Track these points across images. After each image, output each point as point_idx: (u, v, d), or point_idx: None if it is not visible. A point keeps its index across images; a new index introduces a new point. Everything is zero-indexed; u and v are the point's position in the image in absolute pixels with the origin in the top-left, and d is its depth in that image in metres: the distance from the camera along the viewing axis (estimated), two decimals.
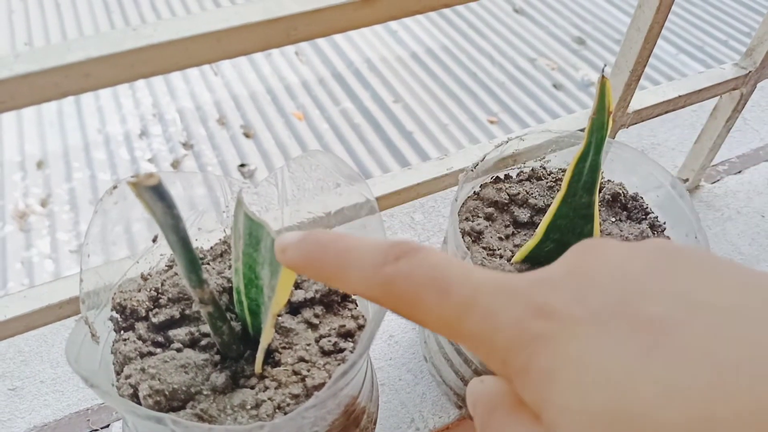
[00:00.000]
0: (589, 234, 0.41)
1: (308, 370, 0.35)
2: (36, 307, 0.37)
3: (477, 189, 0.47)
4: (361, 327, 0.37)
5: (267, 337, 0.33)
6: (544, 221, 0.40)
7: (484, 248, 0.44)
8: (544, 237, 0.41)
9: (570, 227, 0.40)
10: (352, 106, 2.29)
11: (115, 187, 0.34)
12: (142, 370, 0.33)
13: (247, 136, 2.16)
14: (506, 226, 0.46)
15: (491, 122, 2.25)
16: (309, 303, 0.37)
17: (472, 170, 0.43)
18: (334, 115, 2.24)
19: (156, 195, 0.26)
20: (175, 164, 1.98)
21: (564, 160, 0.48)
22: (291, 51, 2.49)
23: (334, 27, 0.33)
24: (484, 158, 0.43)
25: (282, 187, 0.38)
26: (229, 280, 0.38)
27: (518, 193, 0.46)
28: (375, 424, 0.40)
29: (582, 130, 0.49)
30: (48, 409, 0.48)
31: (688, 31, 2.56)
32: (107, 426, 0.48)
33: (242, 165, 2.00)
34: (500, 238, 0.45)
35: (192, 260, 0.30)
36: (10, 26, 2.42)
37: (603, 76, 0.35)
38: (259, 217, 0.30)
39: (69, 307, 0.38)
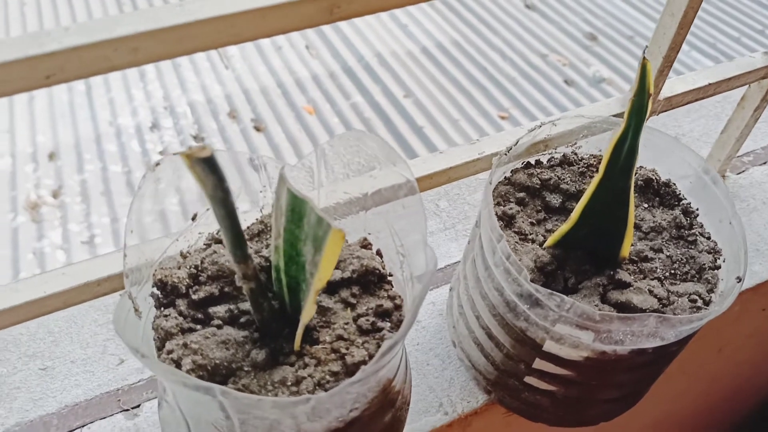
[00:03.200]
0: (624, 219, 0.41)
1: (347, 349, 0.35)
2: (74, 284, 0.37)
3: (508, 174, 0.47)
4: (398, 307, 0.37)
5: (309, 313, 0.33)
6: (580, 205, 0.40)
7: (516, 233, 0.44)
8: (579, 221, 0.41)
9: (605, 211, 0.40)
10: (363, 101, 2.29)
11: (157, 164, 0.34)
12: (185, 345, 0.33)
13: (257, 129, 2.16)
14: (538, 211, 0.46)
15: (502, 118, 2.24)
16: (346, 283, 0.38)
17: (505, 154, 0.43)
18: (344, 110, 2.24)
19: (208, 167, 0.26)
20: None
21: (595, 146, 0.48)
22: (302, 45, 2.49)
23: (378, 4, 0.33)
24: (517, 142, 0.43)
25: (318, 167, 0.38)
26: (266, 259, 0.38)
27: (550, 179, 0.46)
28: (408, 405, 0.41)
29: (616, 115, 0.49)
30: (79, 389, 0.48)
31: (700, 28, 2.54)
32: (138, 406, 0.48)
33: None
34: (532, 223, 0.45)
35: (238, 235, 0.30)
36: (22, 18, 2.43)
37: (644, 58, 0.35)
38: (303, 193, 0.30)
39: (107, 284, 0.38)
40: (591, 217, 0.41)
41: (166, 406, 0.37)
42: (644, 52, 0.34)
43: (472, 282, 0.45)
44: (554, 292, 0.37)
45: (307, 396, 0.30)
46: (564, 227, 0.41)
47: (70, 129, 2.07)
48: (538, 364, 0.42)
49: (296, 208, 0.31)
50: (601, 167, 0.38)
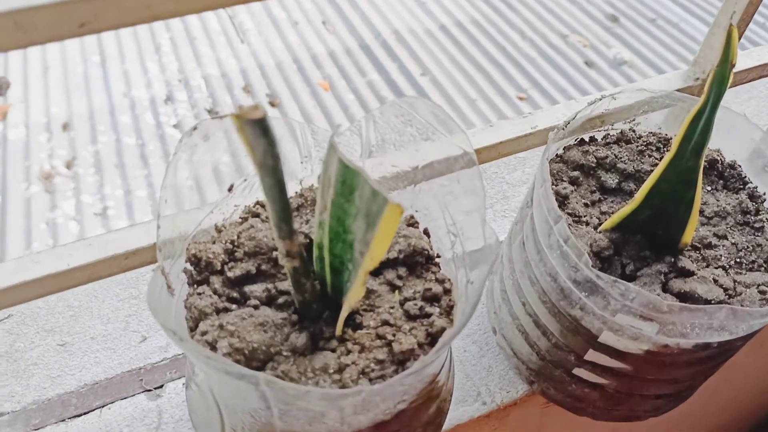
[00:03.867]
0: (690, 201, 0.38)
1: (393, 335, 0.32)
2: (101, 257, 0.34)
3: (560, 151, 0.44)
4: (447, 291, 0.34)
5: (356, 296, 0.30)
6: (647, 185, 0.37)
7: (569, 214, 0.41)
8: (643, 203, 0.38)
9: (671, 193, 0.37)
10: (379, 78, 2.25)
11: (195, 128, 0.31)
12: (221, 326, 0.31)
13: (272, 105, 2.13)
14: (592, 192, 0.43)
15: (520, 99, 2.20)
16: (392, 264, 0.35)
17: (563, 128, 0.39)
18: (360, 87, 2.20)
19: (259, 130, 0.23)
20: None
21: (654, 123, 0.45)
22: (318, 20, 2.44)
23: None
24: (575, 116, 0.40)
25: (366, 136, 0.35)
26: (306, 236, 0.35)
27: (606, 157, 0.43)
28: (452, 395, 0.38)
29: (679, 90, 0.46)
30: (99, 366, 0.46)
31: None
32: (161, 386, 0.45)
33: None
34: (586, 204, 0.42)
35: (285, 208, 0.27)
36: None
37: (731, 25, 0.31)
38: (355, 163, 0.27)
39: (135, 258, 0.36)
40: (655, 198, 0.38)
41: (196, 389, 0.35)
42: (731, 18, 0.30)
43: (519, 266, 0.42)
44: (618, 280, 0.34)
45: (359, 388, 0.27)
46: (626, 209, 0.38)
47: (85, 100, 2.05)
48: (591, 355, 0.39)
49: (347, 180, 0.28)
50: (674, 144, 0.35)
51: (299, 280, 0.31)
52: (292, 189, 0.37)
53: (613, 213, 0.42)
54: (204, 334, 0.31)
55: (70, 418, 0.44)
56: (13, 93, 2.05)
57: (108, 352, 0.47)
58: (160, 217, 0.30)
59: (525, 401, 0.47)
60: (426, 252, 0.35)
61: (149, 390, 0.45)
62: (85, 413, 0.44)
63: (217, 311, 0.32)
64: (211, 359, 0.25)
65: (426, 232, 0.37)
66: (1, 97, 2.07)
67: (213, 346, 0.30)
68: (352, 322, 0.33)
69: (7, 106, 2.04)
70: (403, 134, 0.34)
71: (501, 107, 2.15)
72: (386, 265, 0.35)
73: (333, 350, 0.32)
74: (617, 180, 0.43)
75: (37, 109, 2.00)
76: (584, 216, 0.41)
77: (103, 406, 0.44)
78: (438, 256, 0.36)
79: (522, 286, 0.42)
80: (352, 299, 0.30)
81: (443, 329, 0.32)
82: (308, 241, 0.35)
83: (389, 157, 0.35)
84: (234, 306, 0.33)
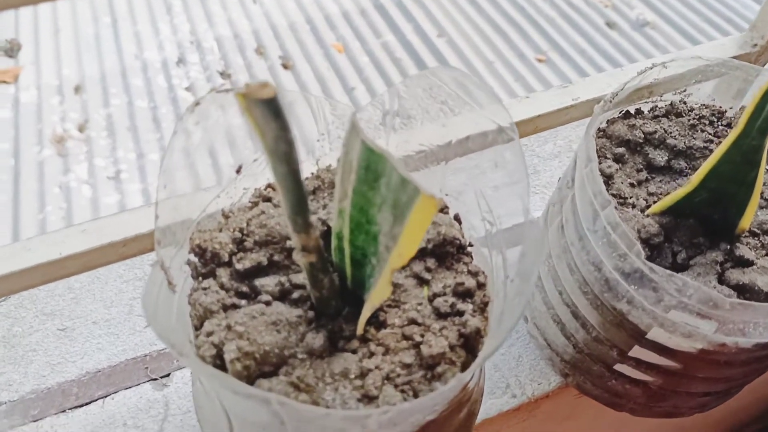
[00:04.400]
0: (751, 184, 0.34)
1: (422, 335, 0.29)
2: (96, 245, 0.31)
3: (603, 125, 0.40)
4: (481, 285, 0.31)
5: (380, 295, 0.27)
6: (706, 165, 0.33)
7: (613, 195, 0.37)
8: (700, 185, 0.33)
9: (732, 174, 0.33)
10: (394, 39, 2.18)
11: (197, 104, 0.27)
12: (228, 327, 0.27)
13: (285, 67, 2.08)
14: (638, 171, 0.39)
15: (539, 60, 2.13)
16: (419, 254, 0.31)
17: (610, 100, 0.35)
18: (375, 49, 2.14)
19: (270, 112, 0.20)
20: None
21: (707, 94, 0.40)
22: None
23: None
24: (624, 87, 0.36)
25: (390, 111, 0.31)
26: (323, 222, 0.31)
27: (654, 132, 0.39)
28: (482, 396, 0.35)
29: (736, 57, 0.41)
30: (102, 353, 0.43)
31: None
32: (167, 375, 0.43)
33: None
34: (631, 185, 0.38)
35: (301, 199, 0.23)
36: None
37: None
38: (381, 147, 0.23)
39: (134, 245, 0.32)
40: (714, 180, 0.33)
41: (202, 389, 0.32)
42: None
43: (556, 251, 0.38)
44: (674, 274, 0.30)
45: (384, 408, 0.24)
46: (680, 192, 0.34)
47: (96, 62, 2.02)
48: (637, 352, 0.36)
49: (372, 166, 0.24)
50: (742, 120, 0.31)
51: (316, 276, 0.27)
52: (307, 170, 0.33)
53: (661, 194, 0.38)
54: (209, 335, 0.28)
55: (71, 408, 0.41)
56: (25, 55, 2.02)
57: (111, 338, 0.44)
58: (158, 204, 0.26)
59: (557, 393, 0.44)
60: (458, 241, 0.31)
61: (155, 379, 0.42)
62: (86, 403, 0.41)
63: (225, 308, 0.29)
64: (215, 378, 0.22)
65: (457, 218, 0.33)
66: (12, 60, 2.04)
67: (220, 350, 0.27)
68: (375, 319, 0.30)
69: (18, 68, 2.01)
70: (432, 108, 0.30)
71: (519, 70, 2.09)
72: (413, 256, 0.31)
73: (354, 351, 0.29)
74: (666, 157, 0.39)
75: (49, 72, 1.97)
76: (630, 197, 0.37)
77: (106, 396, 0.42)
78: (470, 245, 0.32)
79: (559, 274, 0.38)
80: (375, 299, 0.27)
81: (477, 330, 0.29)
82: (326, 228, 0.31)
83: (416, 133, 0.31)
84: (243, 302, 0.29)
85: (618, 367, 0.38)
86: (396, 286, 0.31)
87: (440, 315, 0.30)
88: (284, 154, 0.21)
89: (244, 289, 0.29)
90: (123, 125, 1.83)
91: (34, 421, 0.40)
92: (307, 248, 0.25)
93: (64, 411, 0.41)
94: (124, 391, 0.42)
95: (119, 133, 1.80)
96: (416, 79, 0.31)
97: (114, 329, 0.44)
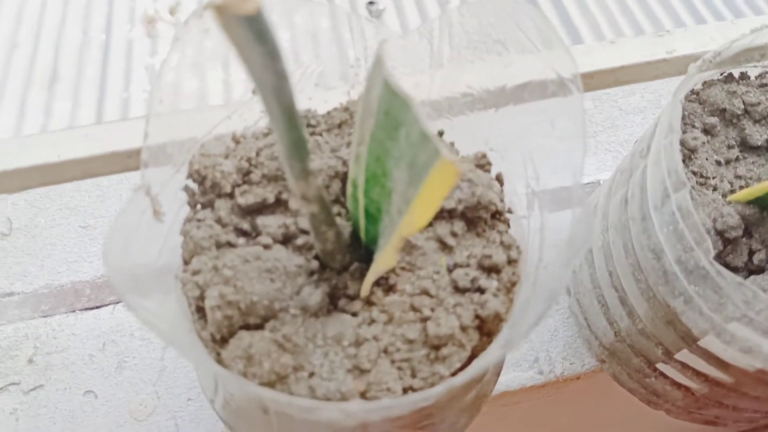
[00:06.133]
0: None
1: (432, 310, 0.25)
2: (98, 152, 0.28)
3: (697, 86, 0.33)
4: (511, 261, 0.27)
5: (385, 263, 0.23)
6: None
7: (693, 173, 0.31)
8: None
9: None
10: None
11: (207, 7, 0.23)
12: (215, 268, 0.24)
13: None
14: (729, 147, 0.33)
15: None
16: (447, 215, 0.27)
17: (711, 60, 0.29)
18: None
19: (252, 32, 0.16)
20: None
21: None
22: None
23: None
24: (731, 45, 0.30)
25: (438, 43, 0.26)
26: (344, 163, 0.27)
27: (758, 104, 0.32)
28: (498, 377, 0.31)
29: None
30: None
31: None
32: None
33: (371, 2, 1.84)
34: (718, 162, 0.32)
35: (297, 141, 0.20)
36: None
37: None
38: (406, 91, 0.19)
39: (139, 158, 0.29)
40: None
41: None
42: None
43: (614, 226, 0.34)
44: (744, 282, 0.25)
45: (381, 403, 0.21)
46: None
47: None
48: (684, 355, 0.31)
49: (392, 111, 0.20)
50: None
51: (319, 227, 0.24)
52: (337, 99, 0.29)
53: (751, 178, 0.32)
54: (196, 273, 0.25)
55: (81, 309, 0.40)
56: None
57: None
58: (149, 119, 0.23)
59: (590, 377, 0.40)
60: (494, 206, 0.27)
61: None
62: (97, 307, 0.40)
63: (218, 245, 0.26)
64: (199, 360, 0.19)
65: (499, 179, 0.28)
66: None
67: (203, 292, 0.24)
68: (384, 281, 0.26)
69: None
70: (488, 45, 0.25)
71: (611, 6, 1.92)
72: (439, 215, 0.27)
73: (354, 314, 0.25)
74: (767, 136, 0.33)
75: None
76: (713, 177, 0.32)
77: (117, 302, 0.40)
78: (510, 212, 0.28)
79: (613, 252, 0.34)
80: (380, 264, 0.23)
81: (497, 314, 0.25)
82: (346, 169, 0.28)
83: (465, 73, 0.27)
84: (241, 240, 0.26)
85: (661, 366, 0.33)
86: (414, 247, 0.27)
87: (458, 289, 0.26)
88: (274, 87, 0.17)
89: (244, 226, 0.26)
90: None
91: (44, 317, 0.40)
92: (306, 197, 0.22)
93: (74, 311, 0.40)
94: None
95: None
96: (475, 6, 0.26)
97: None
